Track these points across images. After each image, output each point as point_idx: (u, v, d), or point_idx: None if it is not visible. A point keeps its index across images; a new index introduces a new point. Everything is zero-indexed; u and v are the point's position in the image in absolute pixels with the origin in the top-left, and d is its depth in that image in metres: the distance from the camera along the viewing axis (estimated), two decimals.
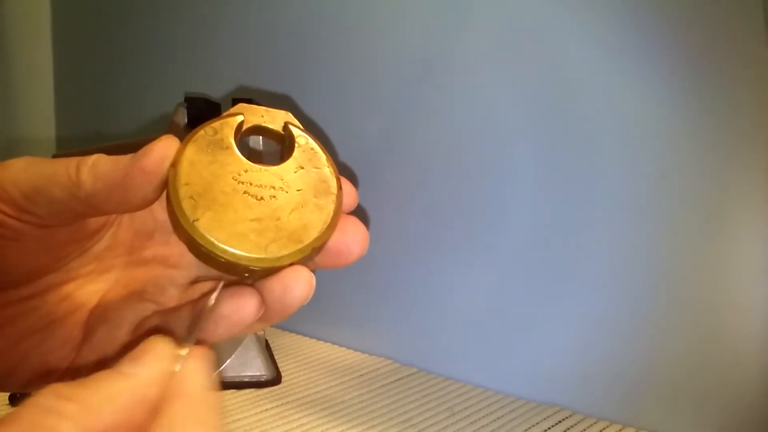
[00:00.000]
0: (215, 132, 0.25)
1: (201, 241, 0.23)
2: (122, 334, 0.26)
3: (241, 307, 0.23)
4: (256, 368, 0.68)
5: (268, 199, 0.24)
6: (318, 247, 0.24)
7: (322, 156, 0.26)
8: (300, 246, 0.24)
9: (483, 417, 0.60)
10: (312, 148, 0.26)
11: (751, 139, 0.53)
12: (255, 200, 0.24)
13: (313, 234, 0.24)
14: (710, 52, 0.54)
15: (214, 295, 0.23)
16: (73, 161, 0.23)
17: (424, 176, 0.71)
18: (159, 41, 0.98)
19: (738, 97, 0.53)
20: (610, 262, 0.60)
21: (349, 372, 0.71)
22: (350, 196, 0.26)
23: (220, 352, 0.68)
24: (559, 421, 0.59)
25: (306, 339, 0.82)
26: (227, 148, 0.25)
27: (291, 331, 0.84)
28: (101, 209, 0.24)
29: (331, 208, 0.25)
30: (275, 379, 0.68)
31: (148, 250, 0.28)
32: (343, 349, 0.78)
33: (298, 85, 0.81)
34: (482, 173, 0.67)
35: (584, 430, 0.58)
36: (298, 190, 0.25)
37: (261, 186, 0.24)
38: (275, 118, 0.26)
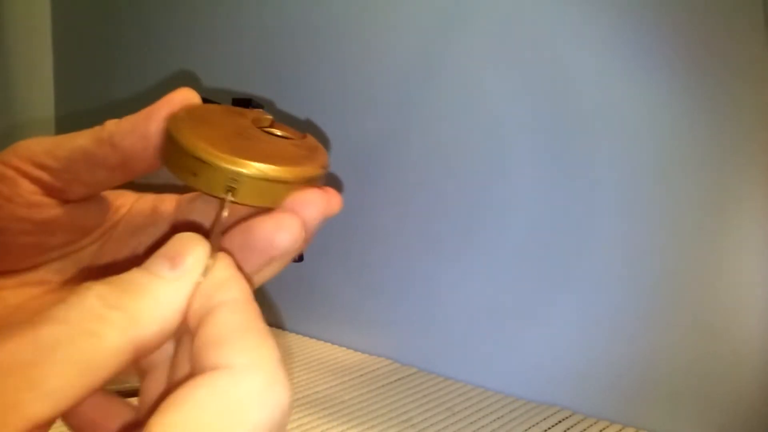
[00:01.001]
0: (242, 113, 0.26)
1: (181, 138, 0.22)
2: (144, 240, 0.27)
3: (275, 226, 0.21)
4: None
5: (258, 139, 0.24)
6: (304, 182, 0.23)
7: (320, 149, 0.26)
8: (287, 167, 0.22)
9: (483, 417, 0.60)
10: (315, 145, 0.26)
11: (751, 138, 0.53)
12: (245, 135, 0.24)
13: (293, 164, 0.23)
14: (711, 52, 0.53)
15: (228, 198, 0.21)
16: (88, 130, 0.24)
17: (423, 176, 0.71)
18: (159, 32, 0.98)
19: (739, 96, 0.53)
20: (610, 262, 0.60)
21: (348, 372, 0.71)
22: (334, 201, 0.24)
23: None
24: (559, 421, 0.59)
25: (305, 339, 0.82)
26: (243, 115, 0.25)
27: (290, 331, 0.84)
28: (131, 153, 0.24)
29: (319, 161, 0.24)
30: None
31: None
32: (343, 348, 0.78)
33: (298, 85, 0.81)
34: (482, 173, 0.67)
35: (584, 430, 0.58)
36: (289, 145, 0.25)
37: (256, 135, 0.24)
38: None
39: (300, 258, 0.70)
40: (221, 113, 0.25)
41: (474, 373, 0.68)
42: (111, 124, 0.24)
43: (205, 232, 0.20)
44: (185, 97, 0.24)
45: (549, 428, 0.58)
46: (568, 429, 0.58)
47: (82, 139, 0.24)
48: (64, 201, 0.25)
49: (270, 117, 0.26)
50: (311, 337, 0.82)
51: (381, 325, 0.77)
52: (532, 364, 0.65)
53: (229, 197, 0.21)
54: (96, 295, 0.17)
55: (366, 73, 0.75)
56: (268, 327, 0.19)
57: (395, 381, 0.69)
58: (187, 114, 0.23)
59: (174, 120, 0.23)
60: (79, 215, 0.26)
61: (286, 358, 0.74)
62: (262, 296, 0.83)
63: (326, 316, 0.81)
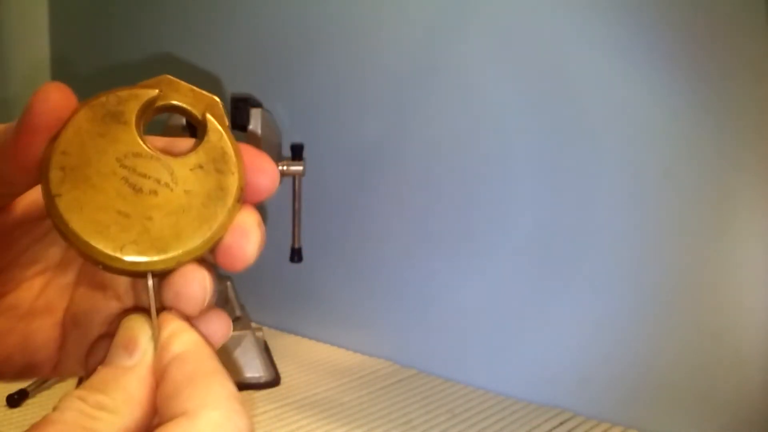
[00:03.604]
0: (118, 102, 0.21)
1: (57, 221, 0.20)
2: (95, 335, 0.26)
3: (189, 285, 0.22)
4: (255, 370, 0.68)
5: (147, 193, 0.21)
6: (188, 260, 0.21)
7: (231, 160, 0.22)
8: (161, 256, 0.21)
9: (484, 419, 0.60)
10: (222, 148, 0.22)
11: (753, 139, 0.53)
12: (131, 191, 0.21)
13: (183, 246, 0.21)
14: (713, 53, 0.53)
15: (149, 278, 0.21)
16: None
17: (423, 177, 0.71)
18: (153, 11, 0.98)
19: (740, 97, 0.53)
20: (611, 263, 0.60)
21: (348, 373, 0.71)
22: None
23: (218, 352, 0.67)
24: (560, 423, 0.59)
25: (305, 340, 0.81)
26: (125, 123, 0.21)
27: (290, 333, 0.83)
28: (15, 184, 0.22)
29: (217, 221, 0.21)
30: (274, 381, 0.68)
31: None
32: (343, 350, 0.78)
33: (298, 85, 0.81)
34: (482, 174, 0.67)
35: (585, 431, 0.58)
36: (185, 191, 0.21)
37: (145, 176, 0.21)
38: (200, 102, 0.23)
39: (299, 258, 0.69)
40: (97, 146, 0.21)
41: (475, 375, 0.68)
42: None
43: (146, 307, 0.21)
44: (55, 110, 0.21)
45: (550, 430, 0.58)
46: (570, 431, 0.58)
47: None
48: None
49: (140, 137, 0.22)
50: (310, 338, 0.82)
51: (381, 327, 0.76)
52: (533, 366, 0.65)
53: (150, 277, 0.21)
54: (79, 398, 0.19)
55: (365, 74, 0.75)
56: (218, 365, 0.21)
57: (395, 382, 0.68)
58: (61, 171, 0.20)
59: (51, 192, 0.20)
60: (14, 215, 0.25)
61: (286, 360, 0.74)
62: (261, 297, 0.83)
63: (325, 317, 0.81)
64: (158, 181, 0.21)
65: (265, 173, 0.23)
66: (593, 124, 0.60)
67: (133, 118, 0.21)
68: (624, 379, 0.59)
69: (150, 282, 0.21)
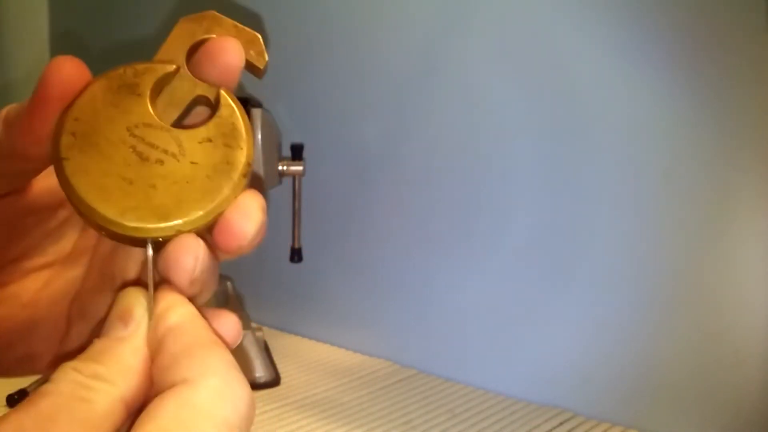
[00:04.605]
0: (135, 75, 0.22)
1: (62, 182, 0.21)
2: (100, 325, 0.26)
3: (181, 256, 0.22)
4: (255, 370, 0.68)
5: (153, 162, 0.21)
6: (188, 230, 0.21)
7: (241, 135, 0.22)
8: (160, 224, 0.21)
9: (484, 419, 0.60)
10: (233, 123, 0.22)
11: (753, 139, 0.53)
12: (138, 159, 0.21)
13: (183, 215, 0.21)
14: (712, 52, 0.53)
15: (149, 248, 0.21)
16: None
17: (424, 176, 0.71)
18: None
19: (740, 97, 0.53)
20: (612, 263, 0.60)
21: (348, 373, 0.71)
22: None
23: None
24: (561, 423, 0.59)
25: (305, 340, 0.81)
26: (139, 95, 0.22)
27: (290, 333, 0.83)
28: (29, 157, 0.22)
29: (221, 195, 0.21)
30: (274, 381, 0.68)
31: None
32: (343, 350, 0.78)
33: (299, 85, 0.81)
34: (482, 174, 0.67)
35: (585, 431, 0.58)
36: (192, 163, 0.21)
37: (153, 146, 0.21)
38: (241, 37, 0.24)
39: (299, 258, 0.69)
40: (109, 115, 0.21)
41: (475, 375, 0.68)
42: (1, 133, 0.22)
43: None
44: (69, 81, 0.21)
45: (550, 430, 0.58)
46: (570, 431, 0.58)
47: None
48: None
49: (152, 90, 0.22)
50: (310, 338, 0.82)
51: (380, 326, 0.76)
52: (533, 366, 0.65)
53: (149, 248, 0.21)
54: (73, 369, 0.19)
55: (365, 74, 0.75)
56: (215, 337, 0.21)
57: (395, 382, 0.68)
58: (72, 136, 0.21)
59: (60, 155, 0.21)
60: (12, 210, 0.25)
61: (285, 360, 0.74)
62: (261, 297, 0.83)
63: (325, 317, 0.81)
64: (165, 152, 0.21)
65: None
66: (593, 124, 0.60)
67: (147, 91, 0.22)
68: (624, 379, 0.59)
69: (149, 251, 0.21)
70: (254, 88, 0.84)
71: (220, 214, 0.21)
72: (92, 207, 0.20)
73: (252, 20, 0.83)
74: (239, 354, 0.67)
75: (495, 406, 0.63)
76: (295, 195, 0.68)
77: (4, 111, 0.22)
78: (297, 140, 0.69)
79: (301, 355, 0.76)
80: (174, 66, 0.23)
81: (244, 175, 0.22)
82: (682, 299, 0.56)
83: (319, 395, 0.65)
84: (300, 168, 0.67)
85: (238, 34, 0.23)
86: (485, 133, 0.66)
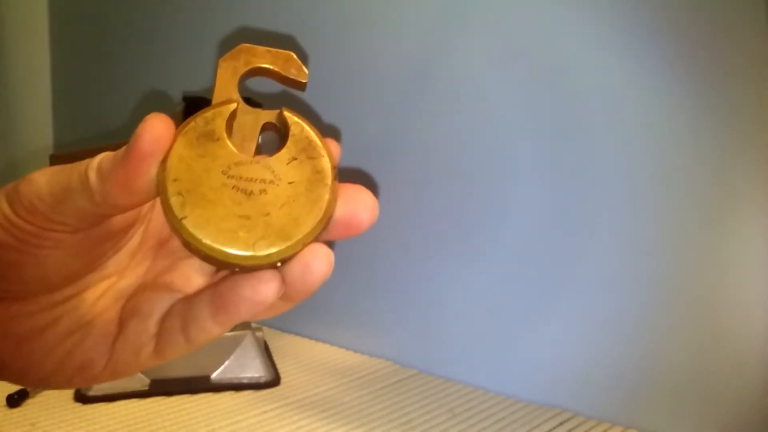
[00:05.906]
0: (206, 123, 0.24)
1: (189, 239, 0.22)
2: (151, 325, 0.26)
3: (260, 289, 0.23)
4: (255, 370, 0.68)
5: (258, 194, 0.23)
6: (311, 240, 0.23)
7: (317, 145, 0.25)
8: (289, 243, 0.23)
9: (484, 419, 0.60)
10: (307, 137, 0.25)
11: (753, 139, 0.53)
12: (244, 195, 0.23)
13: (303, 229, 0.23)
14: (713, 52, 0.53)
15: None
16: (82, 165, 0.23)
17: (424, 176, 0.71)
18: (158, 38, 0.97)
19: (741, 97, 0.53)
20: (612, 263, 0.60)
21: (348, 373, 0.71)
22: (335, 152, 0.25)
23: (218, 353, 0.67)
24: (561, 423, 0.59)
25: (305, 340, 0.81)
26: (218, 139, 0.24)
27: (290, 333, 0.83)
28: (119, 206, 0.24)
29: (324, 200, 0.24)
30: (274, 381, 0.68)
31: (175, 241, 0.28)
32: (343, 350, 0.78)
33: None
34: (483, 173, 0.67)
35: (585, 431, 0.58)
36: (289, 183, 0.24)
37: (251, 180, 0.24)
38: (277, 59, 0.26)
39: None
40: (202, 166, 0.23)
41: (475, 375, 0.68)
42: (95, 183, 0.23)
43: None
44: (160, 136, 0.23)
45: (550, 430, 0.58)
46: (570, 431, 0.58)
47: (74, 194, 0.23)
48: (73, 232, 0.24)
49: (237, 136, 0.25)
50: (311, 338, 0.82)
51: (381, 327, 0.76)
52: (534, 366, 0.65)
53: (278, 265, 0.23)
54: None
55: (366, 74, 0.75)
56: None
57: (395, 383, 0.68)
58: (180, 196, 0.23)
59: (177, 217, 0.22)
60: (95, 239, 0.26)
61: (285, 360, 0.74)
62: None
63: (325, 317, 0.81)
64: (264, 181, 0.24)
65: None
66: (593, 124, 0.60)
67: (223, 133, 0.24)
68: (624, 379, 0.59)
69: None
70: (254, 89, 0.84)
71: (331, 216, 0.24)
72: (225, 251, 0.22)
73: (250, 31, 0.83)
74: (240, 354, 0.67)
75: (495, 406, 0.63)
76: None
77: (97, 160, 0.23)
78: None
79: (300, 355, 0.76)
80: (234, 104, 0.25)
81: (335, 178, 0.24)
82: (683, 299, 0.56)
83: (319, 395, 0.65)
84: None
85: (274, 58, 0.26)
86: (485, 133, 0.66)
